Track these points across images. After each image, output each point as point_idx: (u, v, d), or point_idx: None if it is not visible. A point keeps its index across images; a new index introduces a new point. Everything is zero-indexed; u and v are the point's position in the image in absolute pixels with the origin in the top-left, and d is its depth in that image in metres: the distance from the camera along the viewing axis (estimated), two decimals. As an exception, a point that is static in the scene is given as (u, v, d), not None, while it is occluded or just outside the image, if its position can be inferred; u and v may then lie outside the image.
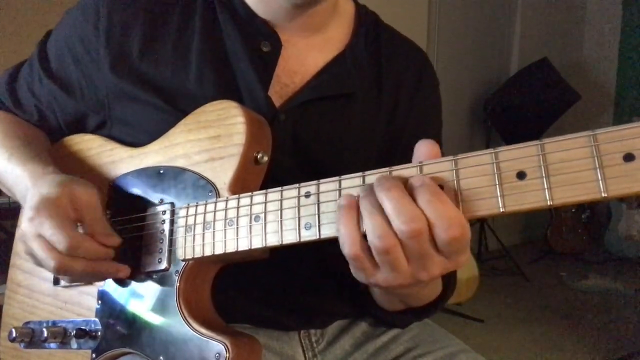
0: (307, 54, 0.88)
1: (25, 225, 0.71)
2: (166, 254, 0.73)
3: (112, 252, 0.74)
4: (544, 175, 0.47)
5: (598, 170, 0.45)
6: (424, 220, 0.51)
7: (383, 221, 0.53)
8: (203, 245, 0.69)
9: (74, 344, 0.80)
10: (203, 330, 0.68)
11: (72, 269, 0.70)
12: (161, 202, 0.76)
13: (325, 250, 0.86)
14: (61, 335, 0.81)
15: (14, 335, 0.83)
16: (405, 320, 0.89)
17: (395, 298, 0.79)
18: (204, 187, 0.73)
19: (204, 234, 0.69)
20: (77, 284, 0.82)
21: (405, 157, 0.57)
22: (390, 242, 0.52)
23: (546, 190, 0.47)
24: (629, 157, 0.44)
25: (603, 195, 0.45)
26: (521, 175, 0.49)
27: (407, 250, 0.53)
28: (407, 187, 0.53)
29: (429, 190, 0.52)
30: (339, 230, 0.55)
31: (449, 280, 0.84)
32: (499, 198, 0.49)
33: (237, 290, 0.83)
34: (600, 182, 0.45)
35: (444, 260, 0.54)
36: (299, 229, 0.61)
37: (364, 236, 0.55)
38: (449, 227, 0.51)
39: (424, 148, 0.56)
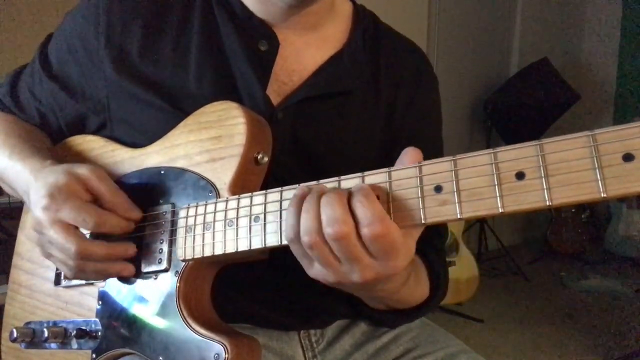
0: (305, 52, 0.89)
1: (41, 214, 0.71)
2: (166, 255, 0.73)
3: (132, 227, 0.75)
4: (543, 175, 0.47)
5: (597, 170, 0.45)
6: (350, 224, 0.54)
7: (313, 220, 0.56)
8: (203, 245, 0.69)
9: (74, 344, 0.81)
10: (202, 331, 0.68)
11: (93, 252, 0.71)
12: (162, 202, 0.76)
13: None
14: (62, 336, 0.81)
15: (15, 335, 0.83)
16: (392, 320, 0.89)
17: (373, 299, 0.80)
18: (204, 188, 0.73)
19: (203, 234, 0.70)
20: (78, 283, 0.83)
21: None
22: (313, 239, 0.56)
23: (545, 190, 0.47)
24: (628, 157, 0.44)
25: (602, 195, 0.44)
26: (520, 175, 0.48)
27: (335, 252, 0.56)
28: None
29: (361, 192, 0.55)
30: (287, 219, 0.59)
31: (438, 282, 0.84)
32: (498, 198, 0.49)
33: (237, 290, 0.83)
34: (600, 182, 0.45)
35: (374, 262, 0.56)
36: None
37: None
38: (371, 224, 0.53)
39: (413, 155, 0.57)
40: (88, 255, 0.71)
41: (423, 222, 0.53)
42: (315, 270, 0.61)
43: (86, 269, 0.73)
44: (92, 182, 0.73)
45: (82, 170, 0.74)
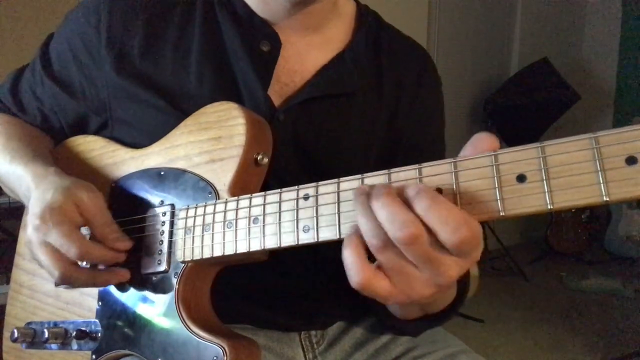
0: (307, 53, 0.88)
1: (31, 233, 0.71)
2: (165, 256, 0.73)
3: (122, 257, 0.74)
4: (544, 178, 0.46)
5: (600, 173, 0.44)
6: (418, 224, 0.49)
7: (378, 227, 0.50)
8: (202, 247, 0.69)
9: (74, 345, 0.81)
10: (201, 333, 0.68)
11: (75, 280, 0.71)
12: (161, 203, 0.76)
13: (325, 252, 0.86)
14: (62, 336, 0.81)
15: (15, 335, 0.83)
16: (420, 329, 0.84)
17: (415, 307, 0.74)
18: (204, 189, 0.73)
19: (203, 235, 0.69)
20: None
21: (407, 156, 0.56)
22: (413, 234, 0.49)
23: (547, 193, 0.46)
24: (631, 160, 0.43)
25: (605, 199, 0.44)
26: (521, 178, 0.48)
27: (413, 259, 0.50)
28: (404, 198, 0.51)
29: (426, 196, 0.49)
30: (345, 259, 0.53)
31: (464, 279, 0.81)
32: (499, 202, 0.49)
33: (237, 292, 0.83)
34: (602, 185, 0.44)
35: (457, 260, 0.51)
36: (297, 232, 0.60)
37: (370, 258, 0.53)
38: (456, 230, 0.48)
39: (485, 143, 0.52)
40: (70, 282, 0.71)
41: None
42: (397, 296, 0.54)
43: (73, 284, 0.73)
44: (87, 208, 0.72)
45: (81, 193, 0.73)
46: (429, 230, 0.49)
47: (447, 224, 0.48)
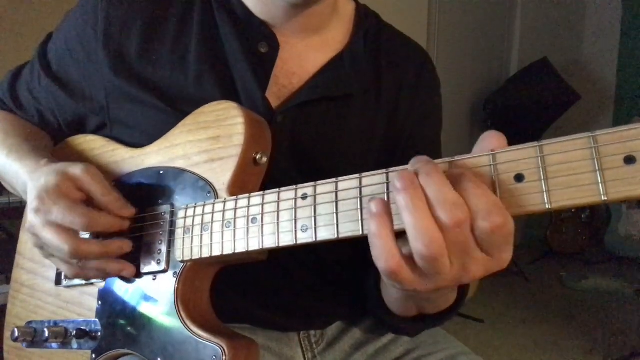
0: (306, 55, 0.88)
1: (32, 217, 0.71)
2: (165, 255, 0.73)
3: (127, 223, 0.74)
4: (542, 177, 0.46)
5: (598, 172, 0.44)
6: (466, 209, 0.47)
7: (428, 220, 0.48)
8: (201, 246, 0.69)
9: (74, 344, 0.81)
10: (200, 332, 0.68)
11: (87, 251, 0.70)
12: (161, 203, 0.76)
13: (324, 252, 0.87)
14: (62, 336, 0.81)
15: (16, 334, 0.83)
16: (417, 329, 0.83)
17: (412, 304, 0.74)
18: (203, 188, 0.73)
19: (201, 235, 0.69)
20: (78, 283, 0.83)
21: (406, 157, 0.56)
22: (438, 247, 0.48)
23: (545, 193, 0.46)
24: (629, 160, 0.43)
25: (603, 198, 0.44)
26: (519, 177, 0.48)
27: (450, 246, 0.49)
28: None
29: (468, 177, 0.48)
30: (373, 243, 0.51)
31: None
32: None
33: (236, 291, 0.83)
34: (600, 185, 0.44)
35: (485, 257, 0.50)
36: (296, 231, 0.60)
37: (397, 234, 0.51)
38: (490, 214, 0.47)
39: (494, 140, 0.51)
40: (82, 255, 0.70)
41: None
42: (418, 285, 0.52)
43: (85, 268, 0.73)
44: (84, 181, 0.72)
45: (74, 169, 0.73)
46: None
47: (485, 207, 0.47)
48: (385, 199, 0.54)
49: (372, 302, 0.83)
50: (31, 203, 0.71)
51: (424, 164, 0.50)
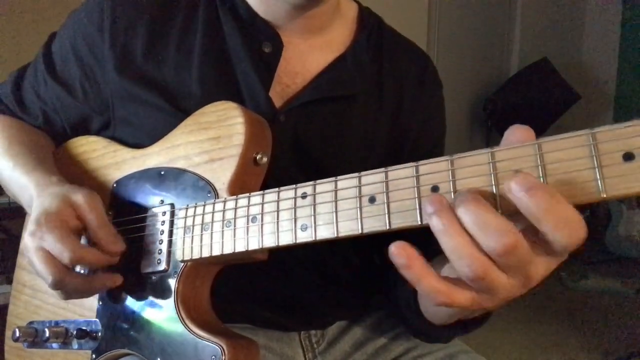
0: (309, 55, 0.88)
1: (27, 239, 0.70)
2: (165, 255, 0.73)
3: (116, 260, 0.74)
4: (541, 175, 0.46)
5: (597, 170, 0.44)
6: (516, 231, 0.44)
7: (467, 243, 0.46)
8: (201, 246, 0.69)
9: (75, 344, 0.81)
10: (200, 332, 0.68)
11: (69, 283, 0.70)
12: (161, 203, 0.76)
13: (324, 252, 0.87)
14: (63, 336, 0.81)
15: (17, 335, 0.83)
16: (454, 335, 0.80)
17: (456, 313, 0.69)
18: (203, 188, 0.73)
19: (202, 235, 0.69)
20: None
21: (411, 159, 0.55)
22: (481, 265, 0.46)
23: (544, 190, 0.46)
24: (628, 157, 0.43)
25: (602, 195, 0.43)
26: (518, 175, 0.48)
27: (502, 266, 0.46)
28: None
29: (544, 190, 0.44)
30: (426, 286, 0.48)
31: None
32: (497, 198, 0.48)
33: (237, 291, 0.83)
34: (599, 182, 0.44)
35: (549, 259, 0.47)
36: (295, 230, 0.61)
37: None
38: (577, 230, 0.44)
39: (517, 134, 0.49)
40: (64, 288, 0.71)
41: (420, 223, 0.52)
42: (484, 303, 0.50)
43: (67, 295, 0.73)
44: (83, 210, 0.72)
45: (77, 196, 0.73)
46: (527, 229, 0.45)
47: (568, 226, 0.44)
48: (385, 198, 0.54)
49: (407, 312, 0.80)
50: (30, 224, 0.71)
51: (461, 195, 0.47)
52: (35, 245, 0.69)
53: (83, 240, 0.74)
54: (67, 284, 0.70)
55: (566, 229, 0.43)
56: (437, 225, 0.46)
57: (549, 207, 0.43)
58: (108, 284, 0.74)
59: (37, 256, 0.69)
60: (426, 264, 0.48)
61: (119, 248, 0.73)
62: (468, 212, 0.45)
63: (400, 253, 0.48)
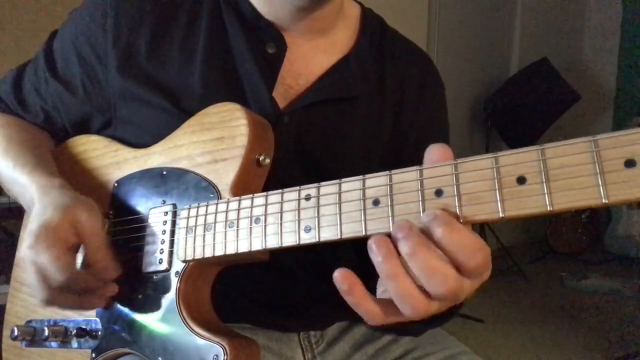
0: (312, 56, 0.88)
1: (24, 251, 0.70)
2: (167, 255, 0.73)
3: (110, 287, 0.74)
4: (544, 180, 0.47)
5: (599, 176, 0.44)
6: (458, 278, 0.50)
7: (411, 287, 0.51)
8: (203, 246, 0.69)
9: (74, 343, 0.81)
10: (202, 332, 0.68)
11: (59, 303, 0.70)
12: (163, 203, 0.76)
13: (325, 253, 0.87)
14: (62, 335, 0.81)
15: (15, 333, 0.83)
16: (421, 330, 0.85)
17: None
18: (206, 189, 0.73)
19: (204, 235, 0.69)
20: None
21: (412, 161, 0.56)
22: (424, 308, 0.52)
23: (546, 195, 0.47)
24: (630, 163, 0.43)
25: (604, 201, 0.44)
26: (521, 180, 0.48)
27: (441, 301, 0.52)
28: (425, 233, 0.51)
29: (444, 221, 0.50)
30: (361, 308, 0.54)
31: None
32: (499, 203, 0.49)
33: (237, 291, 0.83)
34: (601, 187, 0.44)
35: (470, 282, 0.52)
36: (299, 232, 0.61)
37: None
38: (474, 255, 0.50)
39: (435, 153, 0.54)
40: (55, 305, 0.71)
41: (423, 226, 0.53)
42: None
43: (57, 307, 0.73)
44: (83, 229, 0.71)
45: (79, 214, 0.72)
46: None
47: (464, 250, 0.49)
48: (389, 201, 0.55)
49: None
50: (28, 235, 0.70)
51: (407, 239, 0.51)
52: (31, 258, 0.69)
53: (80, 256, 0.74)
54: (58, 304, 0.71)
55: (464, 253, 0.49)
56: (384, 270, 0.51)
57: (448, 235, 0.49)
58: (100, 304, 0.75)
59: (31, 270, 0.69)
60: (365, 291, 0.53)
61: (113, 275, 0.73)
62: (415, 258, 0.50)
63: (343, 280, 0.53)
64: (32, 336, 0.84)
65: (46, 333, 0.81)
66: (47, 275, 0.68)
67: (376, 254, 0.51)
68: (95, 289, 0.73)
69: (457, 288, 0.50)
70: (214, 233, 0.68)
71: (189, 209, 0.73)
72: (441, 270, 0.49)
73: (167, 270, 0.73)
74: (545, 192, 0.47)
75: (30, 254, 0.69)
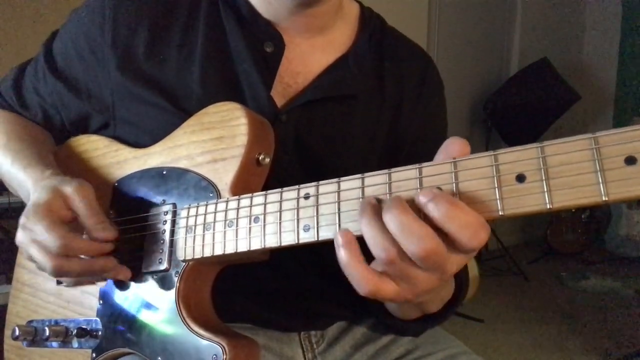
0: (310, 55, 0.88)
1: (20, 234, 0.71)
2: (167, 255, 0.73)
3: (108, 247, 0.74)
4: (543, 178, 0.46)
5: (599, 173, 0.44)
6: (435, 237, 0.49)
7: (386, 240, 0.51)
8: (203, 246, 0.69)
9: (75, 343, 0.81)
10: (201, 332, 0.68)
11: (68, 269, 0.70)
12: (163, 202, 0.76)
13: (325, 252, 0.87)
14: (63, 334, 0.82)
15: (17, 333, 0.83)
16: (420, 329, 0.85)
17: (412, 307, 0.75)
18: (206, 188, 0.73)
19: (204, 234, 0.69)
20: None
21: (410, 159, 0.57)
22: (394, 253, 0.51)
23: (546, 193, 0.46)
24: (630, 160, 0.43)
25: (604, 199, 0.44)
26: (521, 178, 0.48)
27: (423, 267, 0.51)
28: (415, 207, 0.51)
29: (445, 200, 0.49)
30: (348, 273, 0.54)
31: (462, 278, 0.80)
32: (498, 201, 0.49)
33: (237, 291, 0.83)
34: (601, 185, 0.44)
35: (462, 256, 0.52)
36: (298, 231, 0.61)
37: None
38: (476, 234, 0.49)
39: (456, 148, 0.53)
40: (63, 272, 0.71)
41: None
42: (397, 295, 0.55)
43: (73, 279, 0.74)
44: (72, 200, 0.72)
45: (66, 187, 0.73)
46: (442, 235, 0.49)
47: (468, 228, 0.48)
48: (388, 198, 0.54)
49: (372, 307, 0.84)
50: (20, 218, 0.71)
51: (387, 200, 0.52)
52: (28, 238, 0.70)
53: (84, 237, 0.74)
54: (67, 271, 0.70)
55: (467, 232, 0.48)
56: (365, 229, 0.52)
57: (451, 213, 0.48)
58: (111, 270, 0.74)
59: (32, 248, 0.70)
60: (359, 251, 0.53)
61: (108, 235, 0.73)
62: (393, 218, 0.50)
63: (343, 235, 0.53)
64: (33, 336, 0.84)
65: (47, 333, 0.81)
66: (45, 244, 0.69)
67: (362, 204, 0.53)
68: (96, 251, 0.73)
69: (437, 248, 0.49)
70: (214, 233, 0.68)
71: (189, 208, 0.73)
72: (419, 228, 0.49)
73: (167, 270, 0.73)
74: (545, 190, 0.47)
75: (25, 233, 0.71)
